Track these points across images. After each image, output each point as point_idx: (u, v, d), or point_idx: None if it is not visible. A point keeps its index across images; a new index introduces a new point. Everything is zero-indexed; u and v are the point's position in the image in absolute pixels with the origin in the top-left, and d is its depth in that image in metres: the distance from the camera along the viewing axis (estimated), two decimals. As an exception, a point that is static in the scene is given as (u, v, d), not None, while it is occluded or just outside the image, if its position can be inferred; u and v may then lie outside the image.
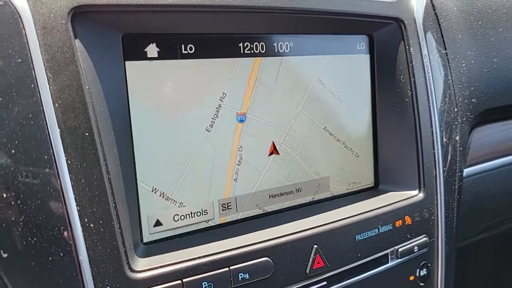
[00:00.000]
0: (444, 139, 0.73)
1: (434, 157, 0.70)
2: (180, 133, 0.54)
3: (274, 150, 0.61)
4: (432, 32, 0.75)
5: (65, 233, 0.42)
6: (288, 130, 0.62)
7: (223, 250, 0.51)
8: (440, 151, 0.71)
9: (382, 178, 0.71)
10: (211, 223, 0.57)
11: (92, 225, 0.44)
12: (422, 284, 0.68)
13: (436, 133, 0.70)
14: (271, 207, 0.62)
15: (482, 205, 0.91)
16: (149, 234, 0.53)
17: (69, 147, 0.43)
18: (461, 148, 0.78)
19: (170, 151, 0.53)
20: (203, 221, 0.57)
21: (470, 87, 0.85)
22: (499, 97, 0.91)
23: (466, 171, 0.87)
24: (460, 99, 0.81)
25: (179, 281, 0.48)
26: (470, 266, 1.13)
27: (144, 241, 0.52)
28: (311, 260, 0.56)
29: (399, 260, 0.65)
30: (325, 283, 0.59)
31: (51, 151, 0.43)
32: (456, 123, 0.78)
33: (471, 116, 0.85)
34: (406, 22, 0.67)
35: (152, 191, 0.53)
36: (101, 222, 0.44)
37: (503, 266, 1.26)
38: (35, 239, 0.42)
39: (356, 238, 0.60)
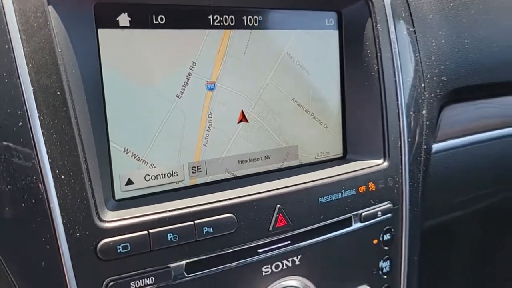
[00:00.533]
0: (410, 113, 0.77)
1: (399, 129, 0.74)
2: (151, 99, 0.57)
3: (243, 118, 0.65)
4: (400, 11, 0.79)
5: (37, 182, 0.46)
6: (257, 99, 0.66)
7: (189, 205, 0.55)
8: (405, 123, 0.74)
9: (350, 149, 0.75)
10: (181, 185, 0.61)
11: (63, 177, 0.47)
12: (386, 248, 0.72)
13: (402, 106, 0.74)
14: (240, 172, 0.65)
15: (451, 181, 0.95)
16: (121, 191, 0.57)
17: (42, 104, 0.47)
18: (428, 123, 0.82)
19: (142, 115, 0.57)
20: (174, 182, 0.60)
21: (440, 66, 0.88)
22: (469, 76, 0.94)
23: (436, 146, 0.91)
24: (428, 76, 0.84)
25: (146, 232, 0.51)
26: (441, 243, 1.17)
27: (116, 198, 0.56)
28: (274, 218, 0.60)
29: (362, 224, 0.69)
30: (289, 241, 0.62)
31: (25, 107, 0.46)
32: (423, 98, 0.81)
33: (441, 94, 0.89)
34: (374, 0, 0.71)
35: (124, 151, 0.56)
36: (71, 174, 0.48)
37: (473, 244, 1.30)
38: (8, 187, 0.45)
39: (319, 200, 0.64)
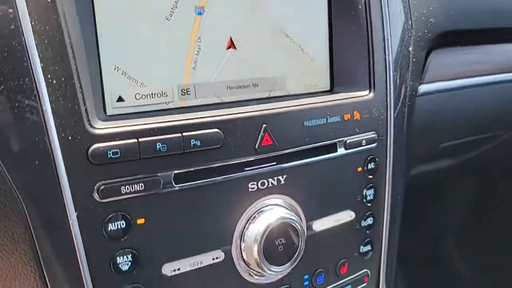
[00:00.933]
0: (397, 47, 0.79)
1: (385, 62, 0.76)
2: (141, 19, 0.59)
3: (231, 45, 0.67)
4: None
5: (30, 84, 0.48)
6: (246, 28, 0.67)
7: (177, 119, 0.57)
8: (391, 57, 0.76)
9: (337, 82, 0.76)
10: (171, 105, 0.63)
11: (54, 81, 0.50)
12: (370, 176, 0.75)
13: (388, 40, 0.76)
14: (228, 98, 0.67)
15: (438, 124, 0.97)
16: (112, 108, 0.59)
17: (33, 10, 0.49)
18: (414, 59, 0.84)
19: (132, 34, 0.59)
20: (163, 103, 0.62)
21: (428, 7, 0.90)
22: (458, 21, 0.96)
23: (423, 87, 0.93)
24: (415, 14, 0.86)
25: (135, 140, 0.54)
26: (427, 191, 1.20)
27: (107, 114, 0.58)
28: (259, 137, 0.62)
29: (347, 151, 0.71)
30: (274, 161, 0.65)
31: (16, 11, 0.48)
32: (409, 35, 0.83)
33: (429, 35, 0.90)
34: None
35: (115, 69, 0.58)
36: (63, 79, 0.50)
37: (457, 189, 1.33)
38: (2, 87, 0.48)
39: (305, 124, 0.66)
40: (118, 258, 0.55)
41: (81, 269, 0.53)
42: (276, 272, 0.64)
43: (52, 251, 0.52)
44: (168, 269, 0.58)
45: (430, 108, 0.96)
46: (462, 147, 1.12)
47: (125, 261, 0.55)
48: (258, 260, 0.62)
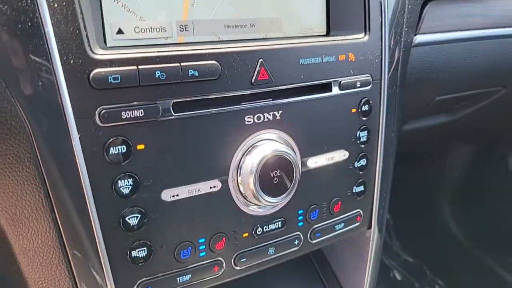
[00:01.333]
0: (392, -8, 0.80)
1: (381, 7, 0.77)
2: (139, -48, 0.60)
3: (229, -17, 0.68)
4: None
5: (32, 6, 0.50)
6: (242, -34, 0.68)
7: (176, 50, 0.59)
8: (386, 2, 0.78)
9: (333, 26, 0.78)
10: (170, 41, 0.65)
11: (56, 5, 0.51)
12: (364, 118, 0.77)
13: (384, -16, 0.77)
14: (226, 36, 0.69)
15: (432, 76, 0.99)
16: (112, 39, 0.60)
17: None
18: (410, 6, 0.85)
19: (131, -33, 0.60)
20: (162, 38, 0.64)
21: (426, -45, 0.90)
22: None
23: (419, 38, 0.94)
24: (412, -39, 0.86)
25: (135, 67, 0.55)
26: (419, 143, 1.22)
27: (108, 45, 0.60)
28: (256, 71, 0.64)
29: (341, 91, 0.73)
30: (270, 96, 0.67)
31: None
32: (405, -19, 0.84)
33: (425, -16, 0.91)
34: None
35: (115, 1, 0.60)
36: (64, 3, 0.52)
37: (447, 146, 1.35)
38: (5, 7, 0.49)
39: (300, 61, 0.68)
40: (119, 181, 0.57)
41: (84, 190, 0.56)
42: (271, 203, 0.67)
43: (56, 171, 0.55)
44: (167, 195, 0.61)
45: (426, 59, 0.97)
46: (457, 102, 1.14)
47: (126, 185, 0.58)
48: (254, 191, 0.65)
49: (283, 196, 0.67)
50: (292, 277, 0.92)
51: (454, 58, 1.01)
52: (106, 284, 0.59)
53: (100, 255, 0.58)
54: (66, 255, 0.57)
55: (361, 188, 0.80)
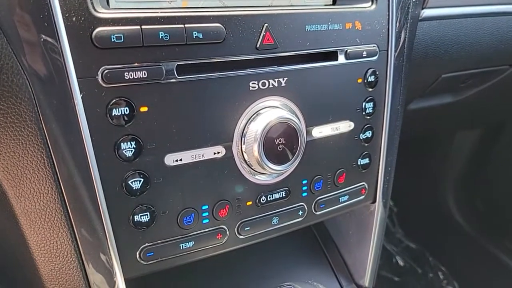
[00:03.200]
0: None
1: (388, -25, 0.75)
2: None
3: None
4: None
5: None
6: None
7: (181, 11, 0.58)
8: (394, -29, 0.76)
9: (339, -4, 0.76)
10: (174, 5, 0.63)
11: (57, -40, 0.50)
12: (370, 89, 0.76)
13: (391, -48, 0.75)
14: (231, 2, 0.68)
15: (439, 52, 0.97)
16: (115, 1, 0.59)
17: None
18: (417, -24, 0.83)
19: None
20: (166, 1, 0.63)
21: None
22: None
23: (426, 12, 0.92)
24: None
25: (138, 27, 0.54)
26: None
27: (111, 7, 0.59)
28: (261, 36, 0.63)
29: (347, 60, 0.72)
30: (276, 62, 0.65)
31: None
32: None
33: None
34: None
35: (118, -39, 0.59)
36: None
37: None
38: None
39: (306, 28, 0.67)
40: (122, 143, 0.56)
41: (86, 151, 0.55)
42: (275, 171, 0.66)
43: (58, 131, 0.54)
44: (171, 159, 0.60)
45: (433, 34, 0.96)
46: (463, 80, 1.13)
47: (129, 148, 0.57)
48: (259, 159, 0.64)
49: (287, 164, 0.66)
50: (295, 252, 0.92)
51: (462, 34, 1.00)
52: (109, 248, 0.59)
53: (103, 219, 0.57)
54: (69, 217, 0.57)
55: (366, 160, 0.79)
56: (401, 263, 2.02)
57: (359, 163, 0.78)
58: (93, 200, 0.56)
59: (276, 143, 0.65)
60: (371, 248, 0.87)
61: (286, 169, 0.67)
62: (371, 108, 0.77)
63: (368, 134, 0.78)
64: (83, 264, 0.59)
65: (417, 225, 2.06)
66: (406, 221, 2.10)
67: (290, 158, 0.66)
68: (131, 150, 0.57)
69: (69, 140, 0.54)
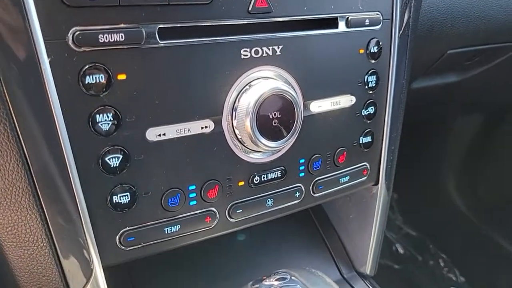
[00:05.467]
0: None
1: None
2: None
3: None
4: None
5: None
6: None
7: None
8: None
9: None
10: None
11: None
12: (372, 61, 0.69)
13: None
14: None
15: (446, 25, 0.91)
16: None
17: None
18: None
19: None
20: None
21: None
22: None
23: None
24: None
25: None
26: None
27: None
28: (253, -3, 0.56)
29: (348, 29, 0.66)
30: (270, 28, 0.59)
31: None
32: None
33: None
34: None
35: None
36: None
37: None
38: None
39: (302, -11, 0.60)
40: (97, 115, 0.50)
41: (56, 124, 0.49)
42: (270, 148, 0.60)
43: (23, 100, 0.48)
44: (153, 134, 0.54)
45: (440, 6, 0.89)
46: (469, 57, 1.07)
47: (105, 120, 0.51)
48: (251, 134, 0.58)
49: (283, 140, 0.60)
50: (291, 238, 0.86)
51: (470, 7, 0.94)
52: (85, 233, 0.53)
53: (77, 200, 0.51)
54: (38, 198, 0.51)
55: (368, 138, 0.73)
56: (401, 250, 1.98)
57: (360, 142, 0.72)
58: (66, 179, 0.51)
59: (271, 117, 0.59)
60: (373, 233, 0.82)
61: (281, 146, 0.61)
62: (374, 81, 0.71)
63: (371, 110, 0.72)
64: (55, 250, 0.54)
65: (417, 212, 2.01)
66: (405, 208, 2.05)
67: (286, 134, 0.60)
68: (108, 123, 0.51)
69: (36, 111, 0.48)
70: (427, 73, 1.05)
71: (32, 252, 0.53)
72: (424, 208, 1.99)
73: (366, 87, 0.70)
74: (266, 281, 0.48)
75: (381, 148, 0.76)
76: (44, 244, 0.53)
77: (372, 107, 0.72)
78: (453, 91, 1.21)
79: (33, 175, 0.50)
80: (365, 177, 0.75)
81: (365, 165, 0.75)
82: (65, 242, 0.53)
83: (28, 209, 0.51)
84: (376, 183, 0.78)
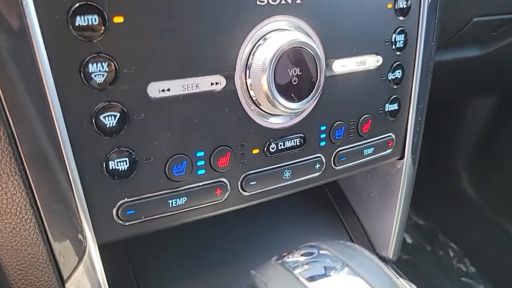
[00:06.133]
0: None
1: None
2: None
3: None
4: None
5: None
6: None
7: None
8: None
9: None
10: None
11: None
12: (401, 18, 0.62)
13: None
14: None
15: None
16: None
17: None
18: None
19: None
20: None
21: None
22: None
23: None
24: None
25: None
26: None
27: None
28: None
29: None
30: (288, -27, 0.51)
31: None
32: None
33: None
34: None
35: None
36: None
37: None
38: None
39: None
40: (90, 64, 0.43)
41: (41, 73, 0.41)
42: (289, 111, 0.52)
43: (5, 48, 0.40)
44: (155, 89, 0.46)
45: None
46: (496, 27, 0.99)
47: (100, 70, 0.43)
48: (268, 94, 0.50)
49: (304, 101, 0.53)
50: (306, 218, 0.79)
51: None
52: (76, 204, 0.45)
53: (67, 164, 0.44)
54: (21, 161, 0.43)
55: (395, 106, 0.65)
56: (409, 240, 1.91)
57: (386, 109, 0.65)
58: (53, 139, 0.43)
59: (290, 74, 0.51)
60: (397, 213, 0.74)
61: (302, 108, 0.54)
62: (402, 41, 0.63)
63: (398, 74, 0.64)
64: (42, 224, 0.46)
65: (426, 201, 1.94)
66: (414, 196, 1.97)
67: (308, 94, 0.52)
68: (103, 74, 0.43)
69: (17, 54, 0.40)
70: (450, 44, 0.97)
71: (15, 226, 0.46)
72: (434, 196, 1.92)
73: (394, 47, 0.63)
74: (289, 257, 0.40)
75: (408, 118, 0.69)
76: (29, 217, 0.45)
77: (399, 71, 0.64)
78: (475, 65, 1.13)
79: (15, 134, 0.42)
80: (390, 150, 0.68)
81: (390, 136, 0.67)
82: (53, 215, 0.46)
83: (9, 174, 0.43)
84: (402, 157, 0.71)
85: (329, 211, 0.80)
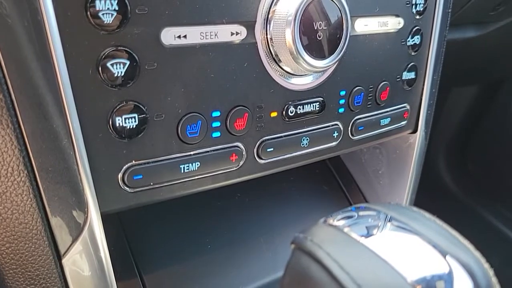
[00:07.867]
0: None
1: None
2: None
3: None
4: None
5: None
6: None
7: None
8: None
9: None
10: None
11: None
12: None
13: None
14: None
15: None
16: None
17: None
18: None
19: None
20: None
21: None
22: None
23: None
24: None
25: None
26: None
27: None
28: None
29: None
30: None
31: None
32: None
33: None
34: None
35: None
36: None
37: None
38: None
39: None
40: (97, 1, 0.36)
41: (43, 14, 0.34)
42: (313, 69, 0.48)
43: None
44: (170, 36, 0.41)
45: None
46: (495, 6, 0.97)
47: (108, 9, 0.37)
48: (293, 48, 0.45)
49: (330, 59, 0.48)
50: (311, 198, 0.74)
51: None
52: (78, 165, 0.39)
53: (68, 118, 0.38)
54: (14, 112, 0.37)
55: (412, 74, 0.62)
56: (390, 230, 1.90)
57: (403, 77, 0.61)
58: (53, 86, 0.37)
59: (315, 28, 0.46)
60: (407, 191, 0.71)
61: (326, 67, 0.49)
62: (422, 4, 0.59)
63: (417, 39, 0.60)
64: (37, 188, 0.39)
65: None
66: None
67: (334, 50, 0.48)
68: (112, 13, 0.37)
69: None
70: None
71: (6, 190, 0.39)
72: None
73: (414, 10, 0.59)
74: (335, 220, 0.36)
75: (423, 89, 0.65)
76: (22, 179, 0.39)
77: (418, 37, 0.61)
78: (469, 48, 1.11)
79: (7, 78, 0.36)
80: (405, 122, 0.64)
81: (406, 106, 0.63)
82: (50, 177, 0.39)
83: (3, 134, 0.37)
84: (415, 131, 0.67)
85: (335, 190, 0.75)
